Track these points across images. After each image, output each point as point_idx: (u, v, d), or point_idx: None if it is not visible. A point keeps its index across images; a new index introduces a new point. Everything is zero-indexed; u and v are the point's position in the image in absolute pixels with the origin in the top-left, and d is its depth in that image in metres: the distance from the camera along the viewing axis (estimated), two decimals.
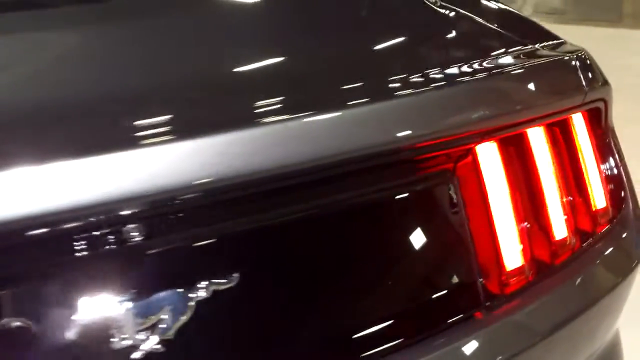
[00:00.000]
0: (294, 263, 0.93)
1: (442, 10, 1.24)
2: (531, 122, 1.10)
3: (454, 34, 1.22)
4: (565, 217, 1.14)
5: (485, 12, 1.33)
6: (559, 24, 4.78)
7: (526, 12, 5.03)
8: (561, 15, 4.95)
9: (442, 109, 1.00)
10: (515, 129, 1.09)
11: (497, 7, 1.38)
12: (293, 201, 0.93)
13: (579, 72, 1.14)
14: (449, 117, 1.00)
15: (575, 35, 4.49)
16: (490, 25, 1.25)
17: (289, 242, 0.94)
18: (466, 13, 1.27)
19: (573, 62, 1.14)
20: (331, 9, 1.18)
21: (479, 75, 1.05)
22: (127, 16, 1.06)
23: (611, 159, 1.23)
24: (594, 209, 1.18)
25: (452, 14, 1.24)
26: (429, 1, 1.26)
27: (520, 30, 1.26)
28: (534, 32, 1.26)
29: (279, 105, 0.88)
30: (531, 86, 1.10)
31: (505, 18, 1.33)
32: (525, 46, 1.16)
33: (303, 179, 0.91)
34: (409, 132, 0.96)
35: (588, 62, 1.18)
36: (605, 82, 1.20)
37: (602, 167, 1.21)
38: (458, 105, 1.01)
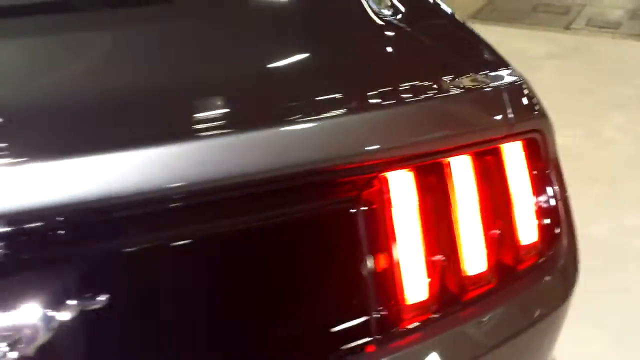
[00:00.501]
0: (174, 292, 0.93)
1: (382, 26, 1.21)
2: (452, 151, 1.07)
3: (385, 52, 1.18)
4: (486, 251, 1.10)
5: (434, 30, 1.30)
6: (612, 38, 4.64)
7: (578, 25, 4.90)
8: (615, 30, 4.80)
9: (344, 136, 0.98)
10: (432, 157, 1.06)
11: (451, 26, 1.35)
12: (179, 226, 0.93)
13: (507, 102, 1.10)
14: (350, 144, 0.98)
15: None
16: (430, 46, 1.22)
17: (174, 270, 0.94)
18: (409, 30, 1.25)
19: (501, 92, 1.10)
20: (264, 24, 1.17)
21: (393, 100, 1.03)
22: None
23: (549, 192, 1.18)
24: (519, 244, 1.14)
25: (393, 30, 1.22)
26: (376, 14, 1.24)
27: (463, 53, 1.23)
28: (478, 57, 1.23)
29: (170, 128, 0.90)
30: (452, 114, 1.07)
31: (455, 39, 1.30)
32: (457, 72, 1.13)
33: (193, 201, 0.91)
34: (305, 157, 0.95)
35: (523, 91, 1.14)
36: (543, 114, 1.16)
37: (537, 200, 1.17)
38: (362, 132, 0.99)
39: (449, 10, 1.39)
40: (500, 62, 1.21)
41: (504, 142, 1.12)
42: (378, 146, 1.00)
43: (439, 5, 1.40)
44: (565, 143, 3.38)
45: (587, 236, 2.68)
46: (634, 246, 2.63)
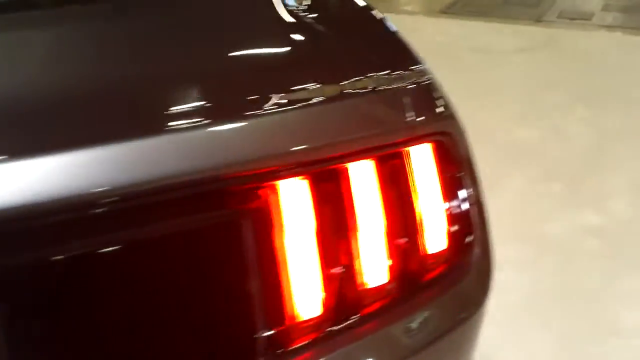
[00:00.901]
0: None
1: (281, 19, 1.15)
2: (350, 156, 1.02)
3: (281, 50, 1.12)
4: (389, 262, 1.05)
5: (341, 24, 1.25)
6: (584, 30, 4.60)
7: (549, 18, 4.85)
8: (587, 21, 4.75)
9: (229, 143, 0.92)
10: (329, 163, 1.01)
11: (363, 20, 1.29)
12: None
13: (410, 103, 1.04)
14: (236, 151, 0.93)
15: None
16: (333, 42, 1.16)
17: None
18: (312, 23, 1.19)
19: (403, 93, 1.04)
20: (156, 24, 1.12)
21: (284, 104, 0.97)
22: None
23: (460, 198, 1.13)
24: (426, 253, 1.08)
25: (294, 24, 1.16)
26: (282, 6, 1.18)
27: (370, 51, 1.17)
28: (385, 54, 1.17)
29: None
30: (349, 117, 1.01)
31: (364, 35, 1.24)
32: (358, 71, 1.07)
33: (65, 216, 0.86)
34: (185, 166, 0.89)
35: (428, 92, 1.09)
36: (452, 115, 1.10)
37: (446, 206, 1.11)
38: (248, 139, 0.94)
39: (362, 3, 1.33)
40: (409, 60, 1.15)
41: (408, 146, 1.06)
42: (266, 153, 0.94)
43: None
44: (529, 138, 3.37)
45: (541, 235, 2.67)
46: (587, 246, 2.59)
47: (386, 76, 1.08)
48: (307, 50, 1.12)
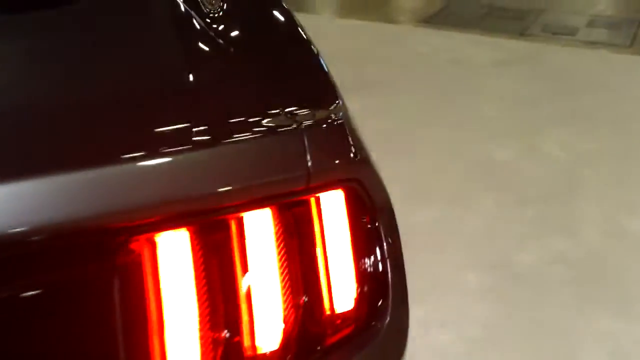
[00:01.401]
0: None
1: (184, 43, 1.03)
2: (240, 206, 0.89)
3: (172, 80, 0.99)
4: (282, 325, 0.92)
5: (255, 49, 1.12)
6: (565, 46, 4.48)
7: (532, 31, 4.73)
8: (571, 36, 4.63)
9: (94, 192, 0.80)
10: (213, 214, 0.88)
11: (283, 42, 1.17)
12: None
13: (313, 147, 0.91)
14: (102, 202, 0.81)
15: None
16: (238, 71, 1.03)
17: None
18: (220, 49, 1.07)
19: (307, 135, 0.92)
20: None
21: (161, 149, 0.85)
22: None
23: (372, 251, 1.00)
24: (328, 314, 0.95)
25: (196, 49, 1.04)
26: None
27: (281, 82, 1.04)
28: (293, 87, 1.05)
29: None
30: (238, 162, 0.89)
31: (278, 61, 1.11)
32: (254, 108, 0.95)
33: None
34: (43, 218, 0.79)
35: (339, 134, 0.96)
36: (363, 160, 0.98)
37: (355, 261, 0.99)
38: (111, 188, 0.82)
39: (288, 18, 1.21)
40: (324, 96, 1.03)
41: (312, 194, 0.94)
42: (140, 203, 0.82)
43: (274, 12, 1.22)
44: (502, 158, 3.25)
45: (513, 264, 2.54)
46: (560, 275, 2.46)
47: (292, 114, 0.95)
48: (201, 80, 1.00)
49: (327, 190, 0.95)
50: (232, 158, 0.89)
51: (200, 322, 0.87)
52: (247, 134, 0.91)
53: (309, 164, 0.91)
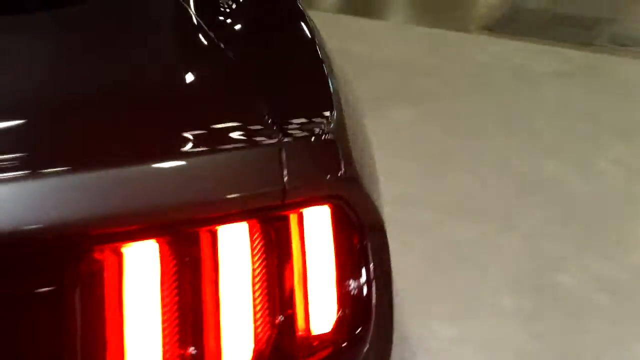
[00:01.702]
0: None
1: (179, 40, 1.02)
2: (214, 219, 0.87)
3: (155, 80, 0.98)
4: (252, 344, 0.89)
5: (254, 51, 1.10)
6: (634, 58, 4.32)
7: (599, 42, 4.59)
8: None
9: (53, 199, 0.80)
10: (183, 227, 0.86)
11: (287, 43, 1.15)
12: None
13: (287, 164, 0.88)
14: (61, 209, 0.80)
15: None
16: (229, 74, 1.01)
17: None
18: (215, 47, 1.05)
19: (277, 151, 0.89)
20: None
21: (126, 157, 0.84)
22: None
23: (359, 272, 0.97)
24: (303, 335, 0.93)
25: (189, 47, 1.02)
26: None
27: (274, 88, 1.02)
28: (291, 96, 1.02)
29: None
30: (215, 174, 0.87)
31: (279, 64, 1.09)
32: (239, 119, 0.93)
33: None
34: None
35: (325, 149, 0.93)
36: (349, 177, 0.94)
37: (340, 280, 0.95)
38: (76, 198, 0.80)
39: (294, 21, 1.18)
40: (317, 106, 1.00)
41: (288, 211, 0.91)
42: (112, 211, 0.81)
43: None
44: (552, 174, 3.15)
45: (553, 286, 2.45)
46: (601, 300, 2.36)
47: (277, 125, 0.92)
48: (186, 87, 0.98)
49: (310, 206, 0.92)
50: (207, 169, 0.87)
51: (164, 338, 0.86)
52: (226, 144, 0.89)
53: (288, 178, 0.88)
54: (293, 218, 0.92)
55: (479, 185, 3.00)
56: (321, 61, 1.12)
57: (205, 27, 1.10)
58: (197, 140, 0.88)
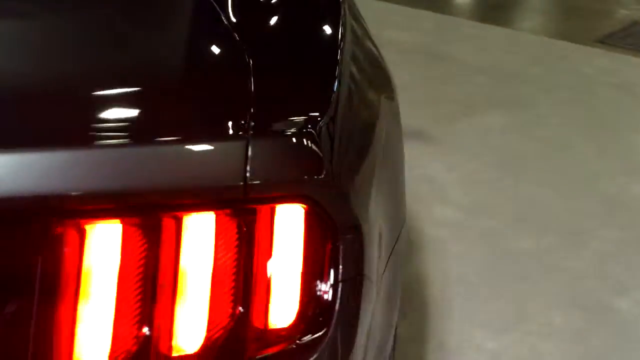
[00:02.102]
0: None
1: None
2: (178, 207, 0.90)
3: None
4: (205, 331, 0.92)
5: (273, 43, 1.12)
6: None
7: None
8: None
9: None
10: (149, 211, 0.90)
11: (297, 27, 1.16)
12: None
13: (252, 158, 0.90)
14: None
15: None
16: (229, 69, 1.03)
17: None
18: (235, 41, 1.07)
19: (245, 146, 0.90)
20: None
21: (97, 139, 0.89)
22: None
23: (327, 273, 0.98)
24: (260, 328, 0.94)
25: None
26: None
27: (268, 85, 1.02)
28: (284, 92, 1.03)
29: None
30: (177, 164, 0.89)
31: (274, 47, 1.10)
32: (223, 109, 0.95)
33: None
34: None
35: (298, 148, 0.94)
36: (322, 180, 0.95)
37: (305, 279, 0.97)
38: (42, 174, 0.84)
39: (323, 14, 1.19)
40: (302, 104, 1.00)
41: (257, 205, 0.93)
42: (69, 190, 0.85)
43: None
44: (637, 194, 3.00)
45: (608, 309, 2.36)
46: None
47: (254, 119, 0.93)
48: (179, 73, 1.00)
49: (283, 203, 0.94)
50: (174, 157, 0.88)
51: (117, 317, 0.88)
52: (195, 134, 0.90)
53: (251, 173, 0.89)
54: (263, 213, 0.94)
55: (557, 199, 2.91)
56: (334, 62, 1.12)
57: (222, 16, 1.11)
58: (167, 128, 0.90)
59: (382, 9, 4.98)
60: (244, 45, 1.05)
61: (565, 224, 2.77)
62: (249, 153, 0.90)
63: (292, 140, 0.94)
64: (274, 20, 1.20)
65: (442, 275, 2.45)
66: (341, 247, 0.98)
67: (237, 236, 0.93)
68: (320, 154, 0.95)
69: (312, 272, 0.97)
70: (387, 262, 1.22)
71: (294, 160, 0.93)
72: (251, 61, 1.01)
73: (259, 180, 0.90)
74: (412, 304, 2.32)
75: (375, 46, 1.72)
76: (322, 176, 0.94)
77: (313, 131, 0.95)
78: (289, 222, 0.96)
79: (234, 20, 1.11)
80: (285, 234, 0.95)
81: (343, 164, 0.99)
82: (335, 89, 1.05)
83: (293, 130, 0.94)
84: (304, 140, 0.94)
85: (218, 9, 1.11)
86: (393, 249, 1.26)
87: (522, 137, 3.39)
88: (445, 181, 3.03)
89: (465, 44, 4.53)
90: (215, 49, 1.08)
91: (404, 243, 1.42)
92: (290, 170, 0.93)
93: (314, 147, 0.95)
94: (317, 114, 0.98)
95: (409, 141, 3.27)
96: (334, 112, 1.00)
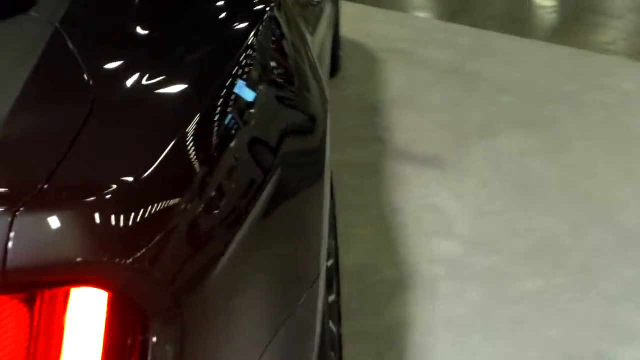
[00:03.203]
0: None
1: None
2: None
3: None
4: None
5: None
6: None
7: None
8: None
9: None
10: None
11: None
12: None
13: (15, 237, 0.76)
14: None
15: None
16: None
17: None
18: None
19: (9, 225, 0.77)
20: None
21: None
22: None
23: None
24: None
25: None
26: None
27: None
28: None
29: None
30: None
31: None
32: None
33: None
34: None
35: (69, 227, 0.80)
36: (114, 263, 0.80)
37: None
38: None
39: None
40: (107, 178, 0.86)
41: (9, 294, 0.79)
42: None
43: None
44: None
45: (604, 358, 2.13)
46: None
47: (30, 193, 0.80)
48: None
49: (79, 286, 0.80)
50: None
51: None
52: None
53: (12, 255, 0.76)
54: (51, 298, 0.80)
55: (571, 233, 2.68)
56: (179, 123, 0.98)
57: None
58: None
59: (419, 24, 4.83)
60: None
61: (576, 261, 2.53)
62: (12, 233, 0.76)
63: (87, 213, 0.80)
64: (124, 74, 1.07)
65: (429, 318, 2.26)
66: (150, 340, 0.83)
67: (22, 323, 0.80)
68: (119, 233, 0.81)
69: None
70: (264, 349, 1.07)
71: (75, 240, 0.79)
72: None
73: (19, 263, 0.76)
74: (390, 351, 2.13)
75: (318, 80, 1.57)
76: (116, 261, 0.81)
77: (116, 204, 0.81)
78: (87, 308, 0.82)
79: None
80: (81, 321, 0.81)
81: (157, 246, 0.85)
82: (159, 161, 0.90)
83: (92, 203, 0.81)
84: (107, 215, 0.81)
85: None
86: (278, 331, 1.11)
87: (541, 163, 3.17)
88: (450, 212, 2.83)
89: (493, 58, 4.34)
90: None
91: (310, 314, 1.26)
92: (62, 253, 0.79)
93: (125, 222, 0.81)
94: (112, 189, 0.84)
95: (417, 168, 3.12)
96: (137, 193, 0.86)
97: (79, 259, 0.79)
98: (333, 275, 1.92)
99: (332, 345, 1.73)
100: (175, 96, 1.05)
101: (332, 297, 1.84)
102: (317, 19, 2.41)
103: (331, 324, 1.82)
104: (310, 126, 1.36)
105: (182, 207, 0.91)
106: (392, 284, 2.42)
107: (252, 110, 1.13)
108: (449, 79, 4.13)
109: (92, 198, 0.82)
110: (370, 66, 4.36)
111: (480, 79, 4.12)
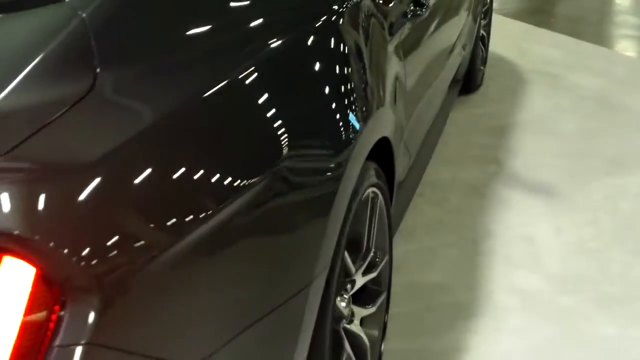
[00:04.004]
0: None
1: None
2: None
3: None
4: None
5: None
6: None
7: None
8: None
9: None
10: None
11: None
12: None
13: None
14: None
15: None
16: None
17: None
18: None
19: None
20: None
21: None
22: None
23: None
24: None
25: None
26: None
27: None
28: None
29: None
30: None
31: None
32: None
33: None
34: None
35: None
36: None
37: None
38: None
39: None
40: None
41: None
42: None
43: None
44: None
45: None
46: None
47: None
48: None
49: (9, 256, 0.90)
50: None
51: None
52: None
53: None
54: None
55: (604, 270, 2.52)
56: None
57: None
58: None
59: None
60: None
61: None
62: None
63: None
64: None
65: (487, 349, 2.21)
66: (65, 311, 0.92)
67: None
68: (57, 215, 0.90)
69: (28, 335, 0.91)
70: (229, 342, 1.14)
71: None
72: None
73: None
74: None
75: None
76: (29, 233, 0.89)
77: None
78: (11, 278, 0.91)
79: None
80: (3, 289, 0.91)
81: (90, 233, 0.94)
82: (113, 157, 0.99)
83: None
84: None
85: None
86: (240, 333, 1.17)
87: (607, 181, 3.00)
88: (544, 245, 2.74)
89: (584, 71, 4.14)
90: None
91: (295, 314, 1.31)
92: None
93: (50, 205, 0.91)
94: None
95: (525, 196, 3.02)
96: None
97: (16, 232, 0.89)
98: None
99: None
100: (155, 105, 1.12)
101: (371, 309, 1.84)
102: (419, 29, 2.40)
103: (369, 331, 1.84)
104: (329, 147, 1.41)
105: (121, 200, 0.99)
106: (462, 308, 2.39)
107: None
108: (591, 108, 3.96)
109: (41, 177, 0.91)
110: (513, 86, 4.27)
111: (626, 113, 3.92)
